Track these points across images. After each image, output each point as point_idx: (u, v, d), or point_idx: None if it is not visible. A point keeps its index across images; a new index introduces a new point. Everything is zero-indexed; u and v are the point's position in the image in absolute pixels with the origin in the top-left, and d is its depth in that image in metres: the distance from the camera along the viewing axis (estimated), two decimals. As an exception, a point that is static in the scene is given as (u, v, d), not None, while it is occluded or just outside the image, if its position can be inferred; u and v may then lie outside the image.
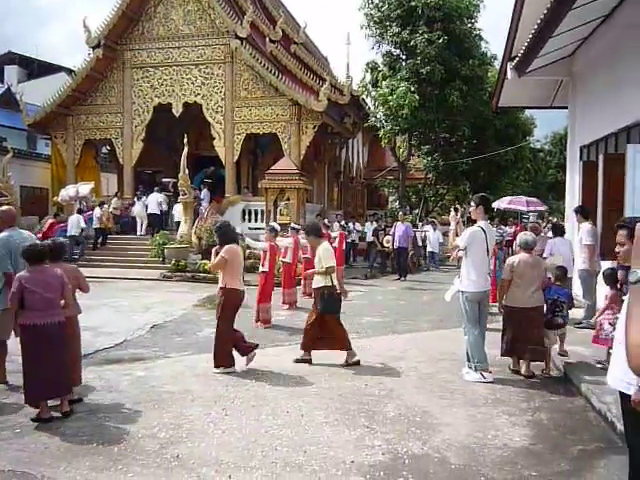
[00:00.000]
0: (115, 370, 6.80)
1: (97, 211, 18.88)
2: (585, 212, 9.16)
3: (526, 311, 6.48)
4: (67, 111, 21.67)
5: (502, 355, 6.73)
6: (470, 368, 6.43)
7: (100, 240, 18.92)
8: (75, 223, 17.73)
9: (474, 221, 6.72)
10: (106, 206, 19.62)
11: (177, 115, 20.79)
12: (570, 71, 11.40)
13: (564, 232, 9.52)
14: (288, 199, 18.40)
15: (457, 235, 6.88)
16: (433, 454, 4.44)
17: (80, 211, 18.69)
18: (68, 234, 17.20)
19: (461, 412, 5.37)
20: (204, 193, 20.27)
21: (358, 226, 21.08)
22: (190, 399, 5.72)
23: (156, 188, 20.57)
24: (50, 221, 18.26)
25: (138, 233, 19.80)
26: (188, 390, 6.01)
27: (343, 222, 18.37)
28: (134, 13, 20.69)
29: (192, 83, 20.53)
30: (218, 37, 20.19)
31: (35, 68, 36.68)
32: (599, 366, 6.43)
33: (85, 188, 19.65)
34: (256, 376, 6.52)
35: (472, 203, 6.72)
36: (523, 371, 6.56)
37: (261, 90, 20.04)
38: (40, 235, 17.20)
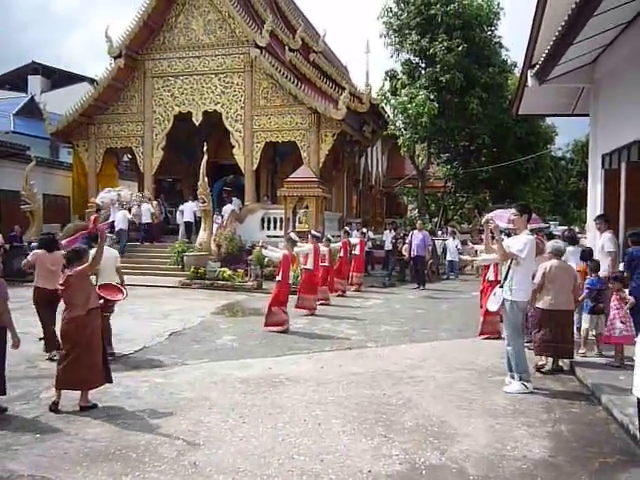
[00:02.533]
0: (134, 377, 6.84)
1: (147, 206, 19.88)
2: (608, 220, 9.10)
3: (557, 313, 6.90)
4: (89, 120, 21.97)
5: (535, 354, 7.18)
6: (512, 378, 6.37)
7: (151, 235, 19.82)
8: (122, 219, 18.68)
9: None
10: (155, 202, 20.69)
11: (197, 124, 20.96)
12: (592, 78, 11.27)
13: (577, 242, 9.60)
14: (307, 207, 18.42)
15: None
16: (451, 465, 4.39)
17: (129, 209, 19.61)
18: (116, 229, 18.14)
19: (480, 422, 5.31)
20: (235, 201, 20.53)
21: (371, 234, 20.86)
22: (208, 406, 5.74)
23: (191, 197, 20.88)
24: (93, 216, 18.70)
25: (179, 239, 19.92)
26: (206, 397, 6.03)
27: (363, 230, 18.28)
28: (155, 23, 20.95)
29: (212, 92, 20.70)
30: (238, 46, 20.35)
31: (58, 78, 37.30)
32: (616, 364, 6.96)
33: (127, 192, 20.45)
34: (273, 384, 6.52)
35: (514, 211, 6.61)
36: (550, 367, 7.16)
37: (280, 98, 20.13)
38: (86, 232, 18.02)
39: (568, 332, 7.02)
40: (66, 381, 5.63)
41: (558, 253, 7.14)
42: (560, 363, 7.24)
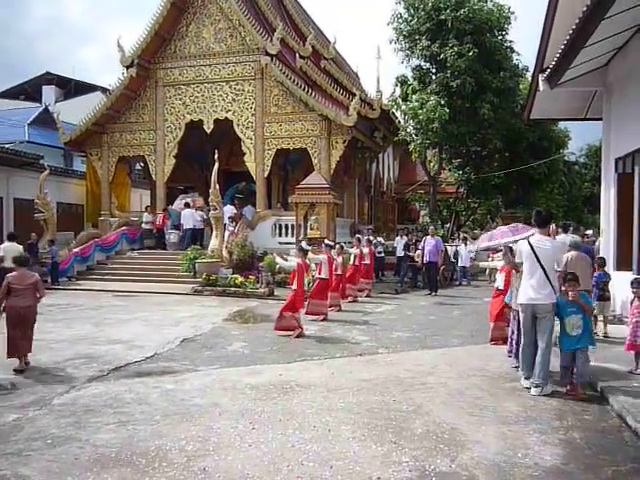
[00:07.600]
0: (145, 383, 6.86)
1: (201, 214, 20.47)
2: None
3: None
4: (102, 129, 22.18)
5: None
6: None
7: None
8: (189, 217, 19.99)
9: None
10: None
11: (208, 131, 21.08)
12: (604, 82, 11.21)
13: None
14: (318, 214, 18.44)
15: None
16: (461, 472, 4.35)
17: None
18: (185, 227, 20.09)
19: (491, 429, 5.26)
20: (249, 208, 20.69)
21: (381, 240, 20.71)
22: (218, 412, 5.74)
23: (228, 202, 21.17)
24: (161, 215, 21.07)
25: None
26: (216, 403, 6.03)
27: (370, 237, 18.19)
28: (166, 32, 21.13)
29: (223, 100, 20.82)
30: (248, 54, 20.47)
31: (71, 88, 37.70)
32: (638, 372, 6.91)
33: (200, 199, 21.26)
34: (284, 390, 6.51)
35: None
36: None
37: (291, 106, 20.20)
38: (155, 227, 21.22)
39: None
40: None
41: (576, 246, 8.67)
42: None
